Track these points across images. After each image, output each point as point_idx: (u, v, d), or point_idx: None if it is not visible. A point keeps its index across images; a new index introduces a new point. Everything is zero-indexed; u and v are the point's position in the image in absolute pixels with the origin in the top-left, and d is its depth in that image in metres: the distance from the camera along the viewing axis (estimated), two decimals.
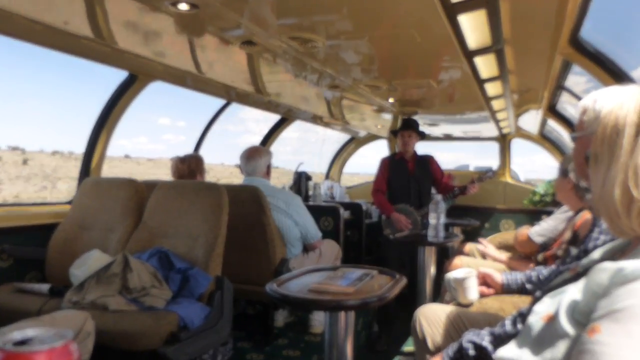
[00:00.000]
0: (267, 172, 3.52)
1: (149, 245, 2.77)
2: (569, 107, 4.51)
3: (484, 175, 4.76)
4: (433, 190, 4.64)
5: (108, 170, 3.65)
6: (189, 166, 3.53)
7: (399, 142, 4.68)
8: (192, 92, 3.76)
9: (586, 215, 2.43)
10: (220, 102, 4.64)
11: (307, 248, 3.56)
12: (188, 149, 4.78)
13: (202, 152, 4.79)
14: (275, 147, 5.56)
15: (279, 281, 2.07)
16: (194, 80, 3.40)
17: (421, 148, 4.83)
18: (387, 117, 5.24)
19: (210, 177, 3.88)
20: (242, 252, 3.24)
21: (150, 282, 2.43)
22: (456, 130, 6.14)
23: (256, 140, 7.11)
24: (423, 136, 4.74)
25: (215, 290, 2.58)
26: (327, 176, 7.34)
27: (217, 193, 2.77)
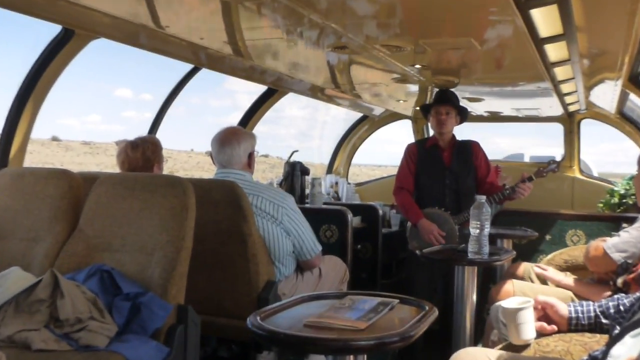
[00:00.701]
0: (249, 162, 3.52)
1: (87, 262, 2.76)
2: None
3: (543, 169, 4.74)
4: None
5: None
6: (143, 153, 3.52)
7: (432, 123, 4.71)
8: (161, 56, 3.79)
9: None
10: (188, 67, 4.66)
11: (302, 267, 3.56)
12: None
13: (163, 134, 4.80)
14: (273, 130, 5.64)
15: (264, 313, 2.05)
16: (150, 37, 3.38)
17: (459, 133, 4.86)
18: (413, 89, 5.25)
19: (171, 168, 3.88)
20: (214, 273, 3.23)
21: (87, 312, 2.42)
22: (506, 107, 6.14)
23: None
24: (464, 115, 4.77)
25: (176, 324, 2.57)
26: (330, 169, 7.35)
27: (181, 191, 2.76)
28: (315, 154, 8.32)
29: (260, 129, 5.68)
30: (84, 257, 2.80)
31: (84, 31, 3.35)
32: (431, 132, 5.90)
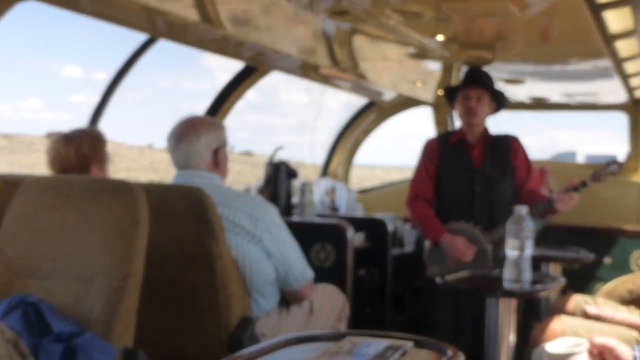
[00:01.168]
0: (216, 161, 3.51)
1: (7, 291, 2.75)
2: None
3: (600, 171, 4.74)
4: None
5: None
6: (78, 149, 3.53)
7: (459, 110, 4.76)
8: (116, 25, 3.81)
9: None
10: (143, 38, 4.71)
11: (287, 299, 3.57)
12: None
13: (114, 125, 4.80)
14: (266, 120, 5.66)
15: (238, 359, 2.05)
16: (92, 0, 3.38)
17: (494, 125, 4.90)
18: (434, 67, 5.29)
19: (118, 169, 3.88)
20: (173, 306, 3.22)
21: (6, 357, 2.40)
22: (554, 91, 6.18)
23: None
24: (501, 102, 4.82)
25: None
26: (326, 171, 7.36)
27: (130, 199, 2.75)
28: (309, 151, 8.36)
29: (249, 118, 5.76)
30: (3, 285, 2.78)
31: None
32: (457, 124, 5.91)
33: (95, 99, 4.77)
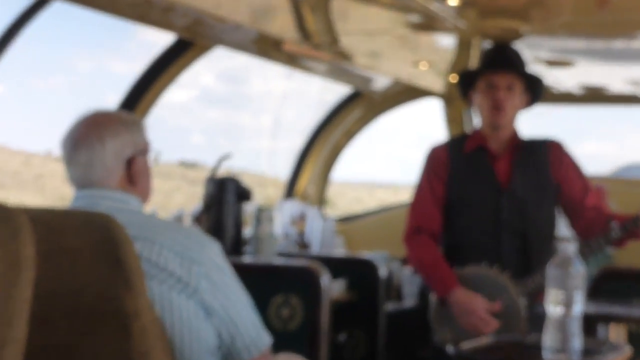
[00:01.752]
0: (131, 177, 3.50)
1: None
2: None
3: None
4: (562, 230, 4.70)
5: None
6: None
7: (481, 105, 4.79)
8: None
9: None
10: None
11: None
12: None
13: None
14: (233, 117, 5.71)
15: None
16: None
17: (526, 124, 4.93)
18: (445, 43, 5.30)
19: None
20: None
21: None
22: (615, 78, 6.22)
23: (182, 95, 7.36)
24: (537, 93, 4.86)
25: None
26: (291, 190, 7.38)
27: (9, 232, 2.74)
28: (269, 161, 8.42)
29: (210, 114, 5.79)
30: None
31: None
32: (475, 123, 5.93)
33: None
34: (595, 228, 4.49)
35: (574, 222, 4.73)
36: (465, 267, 4.63)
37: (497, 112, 4.67)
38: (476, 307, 4.46)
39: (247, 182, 5.33)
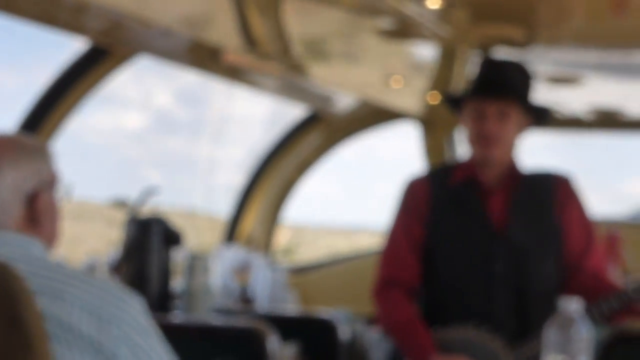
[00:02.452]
0: (34, 216, 3.51)
1: None
2: None
3: None
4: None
5: None
6: None
7: (469, 133, 4.76)
8: None
9: None
10: None
11: None
12: None
13: None
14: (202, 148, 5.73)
15: None
16: None
17: (530, 154, 4.94)
18: (424, 54, 5.32)
19: None
20: None
21: None
22: (635, 98, 6.28)
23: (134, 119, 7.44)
24: (541, 117, 4.84)
25: None
26: (232, 233, 7.41)
27: None
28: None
29: (168, 144, 5.80)
30: None
31: None
32: (462, 151, 5.94)
33: None
34: (589, 300, 4.27)
35: (566, 287, 4.63)
36: (449, 330, 4.59)
37: (488, 143, 4.64)
38: None
39: (197, 224, 5.33)
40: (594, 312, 4.45)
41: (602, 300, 4.53)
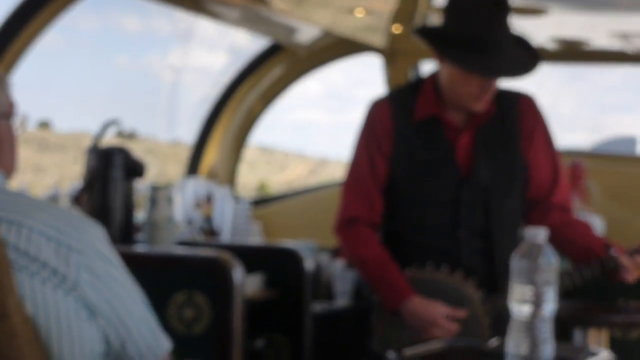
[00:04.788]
0: None
1: None
2: None
3: None
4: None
5: None
6: None
7: (454, 85, 4.61)
8: None
9: None
10: None
11: None
12: None
13: None
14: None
15: None
16: None
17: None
18: None
19: None
20: None
21: None
22: (599, 30, 6.30)
23: None
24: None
25: None
26: (195, 166, 7.40)
27: None
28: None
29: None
30: None
31: None
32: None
33: None
34: (557, 242, 3.89)
35: (533, 222, 4.59)
36: (419, 270, 4.61)
37: (478, 102, 4.54)
38: (437, 318, 4.47)
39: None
40: (578, 274, 4.47)
41: (585, 267, 4.59)
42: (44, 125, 29.93)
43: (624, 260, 4.49)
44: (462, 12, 4.61)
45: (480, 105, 4.54)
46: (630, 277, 4.54)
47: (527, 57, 4.69)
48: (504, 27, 4.57)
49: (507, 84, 4.79)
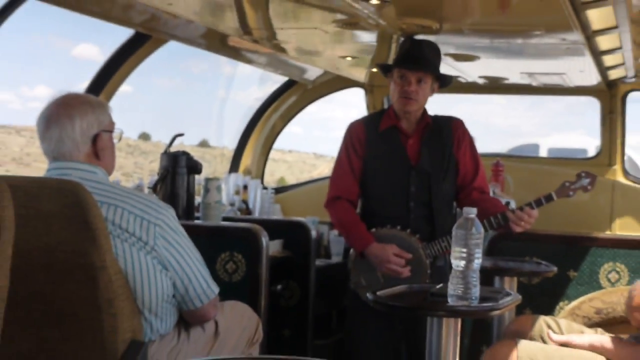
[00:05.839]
0: (96, 151, 3.49)
1: None
2: None
3: (570, 184, 4.82)
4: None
5: None
6: None
7: (393, 93, 4.76)
8: None
9: None
10: None
11: (187, 319, 3.59)
12: None
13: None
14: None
15: None
16: None
17: (435, 104, 4.96)
18: (368, 38, 5.32)
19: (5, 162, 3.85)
20: (45, 329, 3.20)
21: None
22: (514, 71, 6.25)
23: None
24: (444, 82, 4.86)
25: None
26: (236, 165, 7.37)
27: None
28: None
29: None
30: None
31: None
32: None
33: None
34: (478, 210, 4.30)
35: (461, 199, 4.78)
36: (379, 229, 4.66)
37: (407, 101, 4.67)
38: (389, 255, 4.52)
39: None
40: (486, 224, 4.48)
41: (490, 218, 4.56)
42: (145, 137, 29.75)
43: (510, 215, 4.55)
44: (401, 46, 4.99)
45: (410, 105, 4.69)
46: (516, 228, 4.59)
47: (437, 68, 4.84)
48: (425, 51, 4.76)
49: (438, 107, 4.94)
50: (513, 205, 4.88)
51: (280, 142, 7.88)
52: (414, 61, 4.71)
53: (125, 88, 5.55)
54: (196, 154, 4.71)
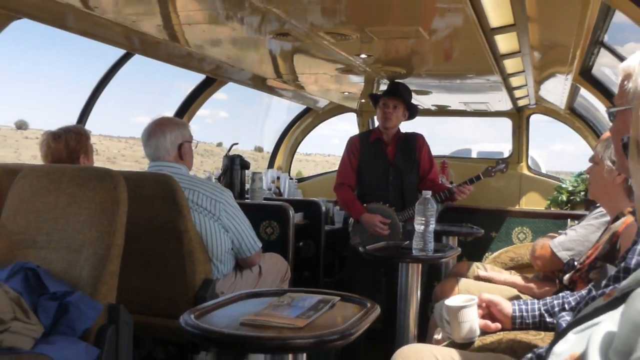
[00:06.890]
0: (180, 154, 3.51)
1: (10, 260, 2.71)
2: (609, 71, 4.62)
3: (492, 168, 4.88)
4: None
5: None
6: (67, 144, 3.59)
7: (378, 115, 4.81)
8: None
9: (629, 220, 2.51)
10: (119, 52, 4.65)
11: (241, 265, 3.60)
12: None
13: (94, 123, 4.77)
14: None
15: (199, 311, 2.06)
16: (78, 18, 3.34)
17: (406, 124, 4.97)
18: (359, 80, 5.29)
19: (100, 159, 3.85)
20: (148, 271, 3.22)
21: (10, 312, 2.37)
22: (454, 101, 6.24)
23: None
24: (413, 112, 4.89)
25: (107, 324, 2.55)
26: (272, 164, 7.36)
27: (112, 184, 2.73)
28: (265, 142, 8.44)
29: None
30: (6, 255, 2.75)
31: (4, 10, 3.27)
32: (376, 125, 5.94)
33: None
34: (432, 190, 4.38)
35: (421, 185, 4.73)
36: (369, 204, 4.67)
37: (387, 120, 4.72)
38: (376, 221, 4.55)
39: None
40: (436, 197, 4.48)
41: (440, 193, 4.60)
42: (219, 144, 29.76)
43: (455, 189, 4.71)
44: (388, 87, 4.91)
45: (389, 122, 4.74)
46: (457, 198, 4.73)
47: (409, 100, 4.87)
48: (400, 88, 4.81)
49: (408, 126, 4.95)
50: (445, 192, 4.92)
51: (305, 147, 7.85)
52: (392, 94, 4.75)
53: (224, 114, 5.56)
54: (250, 156, 4.75)
